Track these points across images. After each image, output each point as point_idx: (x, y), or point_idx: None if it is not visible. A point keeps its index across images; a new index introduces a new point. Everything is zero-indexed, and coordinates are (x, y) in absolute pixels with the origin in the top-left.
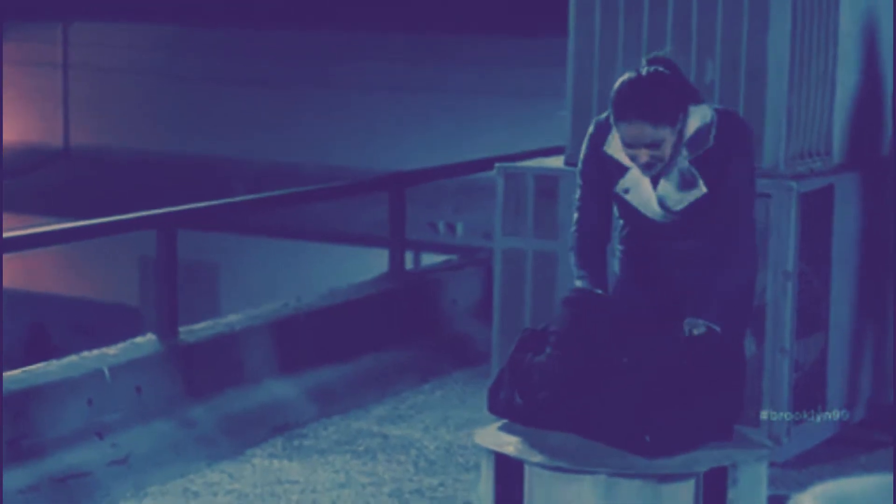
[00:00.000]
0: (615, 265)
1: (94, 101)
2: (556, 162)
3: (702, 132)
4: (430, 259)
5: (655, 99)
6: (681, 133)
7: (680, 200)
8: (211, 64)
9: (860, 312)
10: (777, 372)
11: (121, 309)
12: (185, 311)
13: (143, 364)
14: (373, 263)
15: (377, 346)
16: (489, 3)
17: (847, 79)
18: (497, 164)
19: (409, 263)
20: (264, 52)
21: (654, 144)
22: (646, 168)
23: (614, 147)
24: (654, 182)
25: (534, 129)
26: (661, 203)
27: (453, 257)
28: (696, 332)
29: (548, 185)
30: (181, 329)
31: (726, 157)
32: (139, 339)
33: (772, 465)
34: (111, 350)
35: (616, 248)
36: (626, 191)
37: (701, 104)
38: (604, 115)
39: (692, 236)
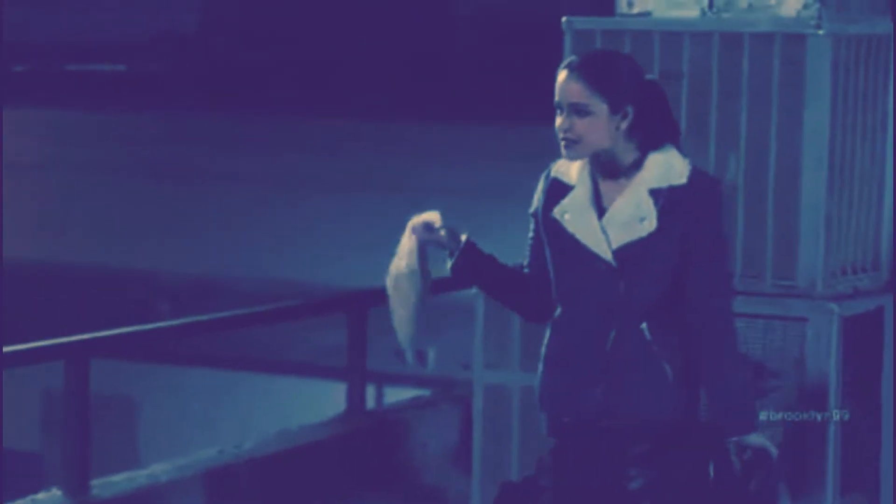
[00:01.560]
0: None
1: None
2: None
3: (671, 165)
4: (396, 394)
5: (601, 63)
6: (627, 136)
7: (623, 235)
8: (126, 152)
9: None
10: None
11: (18, 456)
12: (98, 458)
13: None
14: (328, 399)
15: (332, 500)
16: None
17: None
18: None
19: (370, 400)
20: (192, 140)
21: (580, 110)
22: (562, 144)
23: (561, 170)
24: (600, 210)
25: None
26: (605, 232)
27: (425, 392)
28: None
29: None
30: (93, 483)
31: (697, 200)
32: (41, 496)
33: None
34: None
35: (546, 332)
36: (565, 214)
37: (674, 148)
38: None
39: (632, 283)
